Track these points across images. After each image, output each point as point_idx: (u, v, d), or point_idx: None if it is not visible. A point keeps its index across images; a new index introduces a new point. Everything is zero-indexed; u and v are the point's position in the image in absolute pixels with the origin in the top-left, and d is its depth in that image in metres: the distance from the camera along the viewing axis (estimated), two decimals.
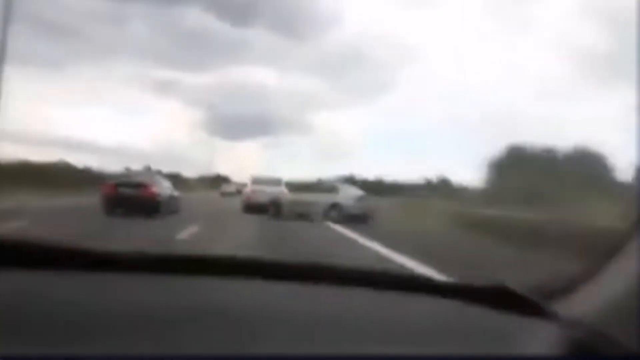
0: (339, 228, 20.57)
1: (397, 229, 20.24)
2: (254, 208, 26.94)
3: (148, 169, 52.15)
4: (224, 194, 68.75)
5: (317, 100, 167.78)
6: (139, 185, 22.31)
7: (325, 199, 24.92)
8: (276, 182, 29.38)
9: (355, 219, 23.27)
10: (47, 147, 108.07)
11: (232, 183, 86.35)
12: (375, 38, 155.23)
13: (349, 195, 25.58)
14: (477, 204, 30.46)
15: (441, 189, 67.89)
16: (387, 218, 25.24)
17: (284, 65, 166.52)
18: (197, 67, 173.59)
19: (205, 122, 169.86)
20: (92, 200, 24.82)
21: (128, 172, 32.40)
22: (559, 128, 66.84)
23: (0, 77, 32.92)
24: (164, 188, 23.99)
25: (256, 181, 29.67)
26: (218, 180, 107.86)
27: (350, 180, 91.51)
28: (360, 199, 25.48)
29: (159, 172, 38.94)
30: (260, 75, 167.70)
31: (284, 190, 27.87)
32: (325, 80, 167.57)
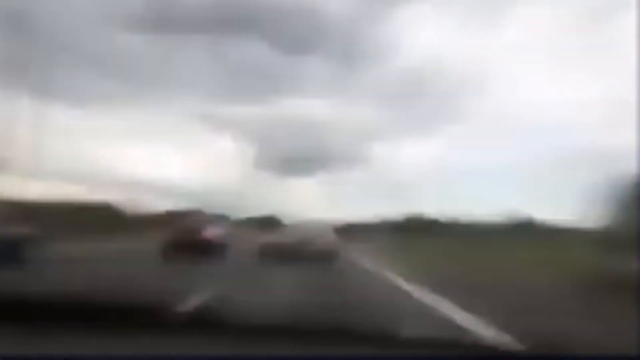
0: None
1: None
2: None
3: (198, 211, 47.22)
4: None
5: (377, 131, 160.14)
6: (195, 231, 24.38)
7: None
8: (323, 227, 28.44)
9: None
10: (96, 186, 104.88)
11: (285, 226, 74.35)
12: (438, 64, 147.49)
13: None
14: (597, 249, 21.78)
15: (525, 229, 59.28)
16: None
17: (341, 96, 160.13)
18: (249, 100, 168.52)
19: (257, 158, 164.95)
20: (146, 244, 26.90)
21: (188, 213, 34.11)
22: None
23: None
24: (217, 231, 26.00)
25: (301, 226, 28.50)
26: (270, 222, 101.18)
27: (419, 220, 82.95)
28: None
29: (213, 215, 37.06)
30: (315, 107, 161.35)
31: (332, 235, 27.31)
32: (385, 111, 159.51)
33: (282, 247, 24.46)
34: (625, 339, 7.44)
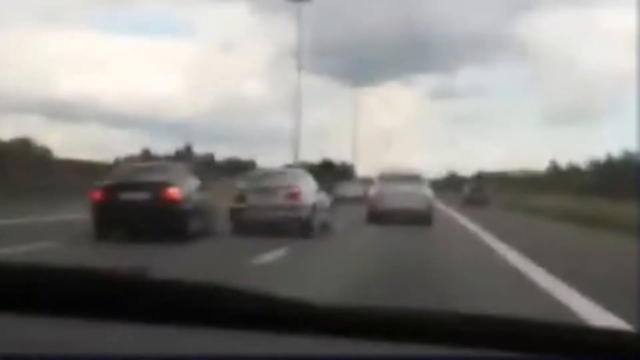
0: None
1: None
2: (384, 217, 19.85)
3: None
4: (343, 199, 38.30)
5: None
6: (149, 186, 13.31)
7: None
8: (413, 178, 21.84)
9: None
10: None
11: (355, 180, 56.58)
12: None
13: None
14: None
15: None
16: None
17: None
18: None
19: (305, 49, 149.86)
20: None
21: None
22: None
23: None
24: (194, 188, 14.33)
25: (387, 177, 21.98)
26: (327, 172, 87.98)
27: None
28: None
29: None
30: None
31: (425, 191, 20.94)
32: None
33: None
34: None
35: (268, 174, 17.26)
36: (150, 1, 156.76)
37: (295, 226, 14.84)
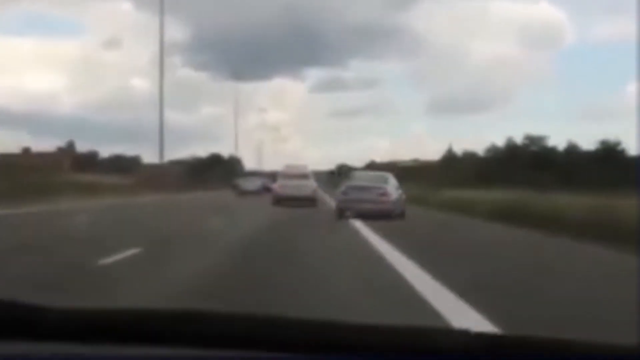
0: None
1: None
2: (284, 201, 29.23)
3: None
4: (243, 193, 49.79)
5: None
6: None
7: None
8: (303, 174, 31.76)
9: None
10: None
11: (255, 176, 63.79)
12: None
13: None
14: None
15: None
16: None
17: None
18: None
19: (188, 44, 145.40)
20: None
21: None
22: None
23: None
24: None
25: (285, 174, 31.92)
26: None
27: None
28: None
29: None
30: None
31: (311, 184, 31.05)
32: None
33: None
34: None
35: (364, 176, 24.49)
36: (35, 1, 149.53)
37: (383, 215, 19.94)
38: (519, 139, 57.56)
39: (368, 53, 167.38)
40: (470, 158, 70.87)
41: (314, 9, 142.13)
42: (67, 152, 71.16)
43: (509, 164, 53.09)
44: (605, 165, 47.02)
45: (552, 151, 56.09)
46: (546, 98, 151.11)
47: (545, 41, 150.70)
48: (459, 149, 76.39)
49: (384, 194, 21.30)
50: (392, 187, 22.13)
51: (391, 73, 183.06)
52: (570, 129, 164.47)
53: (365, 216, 19.32)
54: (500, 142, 58.32)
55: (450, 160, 71.44)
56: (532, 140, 55.70)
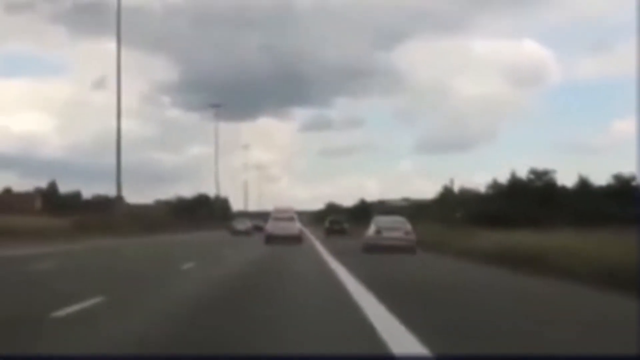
0: None
1: None
2: (274, 240, 35.68)
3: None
4: (236, 232, 59.86)
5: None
6: None
7: None
8: (289, 217, 38.20)
9: None
10: None
11: (245, 217, 72.61)
12: None
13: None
14: None
15: None
16: None
17: None
18: None
19: (176, 85, 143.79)
20: None
21: None
22: None
23: None
24: None
25: (274, 216, 38.42)
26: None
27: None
28: None
29: None
30: None
31: (297, 225, 37.70)
32: None
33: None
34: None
35: (388, 219, 30.18)
36: (22, 41, 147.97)
37: (408, 249, 26.21)
38: (504, 176, 54.19)
39: (353, 92, 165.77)
40: (466, 195, 68.12)
41: (299, 50, 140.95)
42: (37, 194, 69.25)
43: (514, 200, 50.37)
44: (619, 200, 44.56)
45: (560, 187, 53.50)
46: (531, 135, 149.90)
47: (530, 79, 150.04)
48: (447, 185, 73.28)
49: (408, 232, 27.81)
50: (410, 227, 28.10)
51: (377, 112, 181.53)
52: (555, 165, 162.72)
53: (392, 250, 25.22)
54: (487, 179, 55.85)
55: (448, 198, 68.54)
56: (538, 175, 52.99)
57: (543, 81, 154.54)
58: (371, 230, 28.12)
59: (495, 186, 56.66)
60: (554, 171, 53.34)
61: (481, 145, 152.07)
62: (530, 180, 53.10)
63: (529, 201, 49.31)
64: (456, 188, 71.65)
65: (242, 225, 64.01)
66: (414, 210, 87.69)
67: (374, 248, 26.30)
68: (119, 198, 49.04)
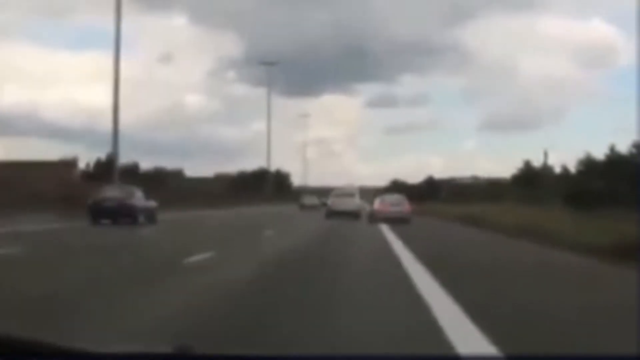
0: None
1: None
2: (335, 214, 38.30)
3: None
4: (304, 207, 64.11)
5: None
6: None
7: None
8: (350, 193, 42.01)
9: None
10: None
11: (313, 194, 77.27)
12: None
13: None
14: None
15: None
16: None
17: None
18: None
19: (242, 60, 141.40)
20: None
21: None
22: None
23: None
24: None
25: (336, 193, 42.26)
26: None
27: None
28: None
29: None
30: None
31: (356, 200, 40.85)
32: None
33: None
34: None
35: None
36: (89, 14, 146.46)
37: (403, 220, 32.14)
38: (571, 158, 48.07)
39: (419, 69, 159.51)
40: (550, 173, 62.24)
41: (366, 26, 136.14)
42: (71, 163, 66.30)
43: (615, 178, 44.30)
44: None
45: None
46: (598, 117, 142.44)
47: (598, 60, 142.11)
48: (510, 167, 67.91)
49: (405, 206, 35.03)
50: (407, 204, 35.35)
51: (442, 89, 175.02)
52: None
53: (391, 221, 30.56)
54: (556, 160, 50.15)
55: (531, 176, 62.72)
56: None
57: (611, 62, 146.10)
58: (376, 204, 35.94)
59: (588, 163, 50.32)
60: None
61: (549, 125, 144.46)
62: (632, 156, 46.65)
63: (632, 180, 43.12)
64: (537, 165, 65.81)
65: (310, 200, 68.92)
66: (485, 188, 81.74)
67: (377, 218, 33.12)
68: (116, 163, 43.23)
